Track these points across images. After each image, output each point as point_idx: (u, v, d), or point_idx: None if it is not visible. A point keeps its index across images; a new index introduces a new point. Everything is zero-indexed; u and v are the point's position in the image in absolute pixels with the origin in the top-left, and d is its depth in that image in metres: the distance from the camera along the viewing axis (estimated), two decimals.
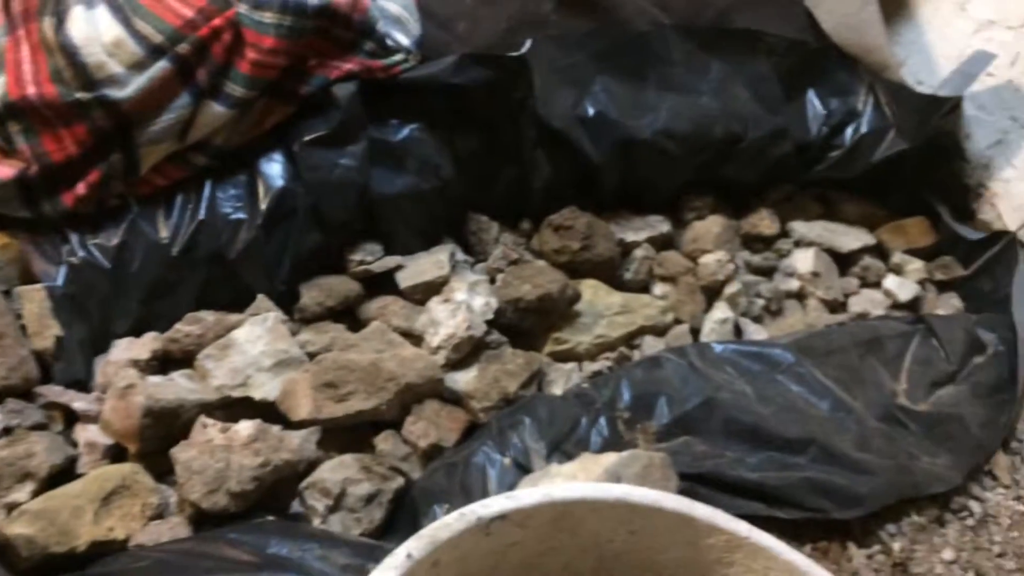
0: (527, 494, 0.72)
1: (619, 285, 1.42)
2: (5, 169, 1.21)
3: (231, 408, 1.13)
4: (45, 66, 1.19)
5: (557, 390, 1.24)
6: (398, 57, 1.34)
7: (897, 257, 1.58)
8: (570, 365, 1.29)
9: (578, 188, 1.45)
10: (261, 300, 1.26)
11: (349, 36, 1.31)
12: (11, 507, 1.00)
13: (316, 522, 1.02)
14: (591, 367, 1.29)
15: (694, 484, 1.08)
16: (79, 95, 1.17)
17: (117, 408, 1.06)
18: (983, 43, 1.53)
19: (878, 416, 1.23)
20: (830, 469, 1.13)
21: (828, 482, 1.11)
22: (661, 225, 1.49)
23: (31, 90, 1.17)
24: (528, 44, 1.37)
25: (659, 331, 1.37)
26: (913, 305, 1.52)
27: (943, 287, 1.57)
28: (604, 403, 1.17)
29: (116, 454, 1.10)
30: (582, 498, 0.72)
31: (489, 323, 1.26)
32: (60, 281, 1.20)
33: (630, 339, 1.35)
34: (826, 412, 1.21)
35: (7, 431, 1.06)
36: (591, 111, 1.41)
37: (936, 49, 1.61)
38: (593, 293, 1.36)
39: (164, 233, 1.23)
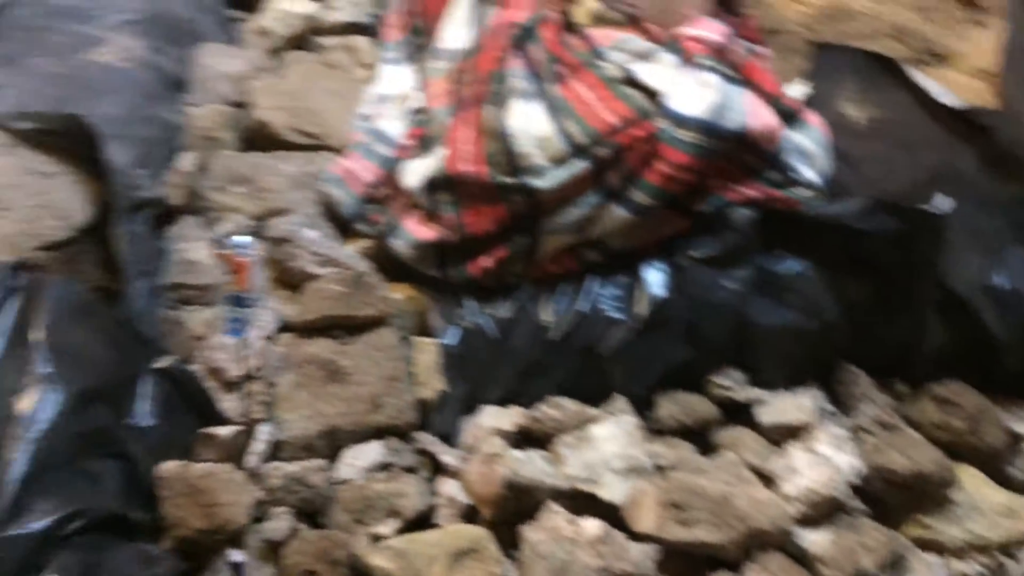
0: None
1: (1003, 481, 1.26)
2: (427, 231, 1.35)
3: (576, 500, 1.15)
4: (482, 148, 1.31)
5: None
6: (803, 192, 1.33)
7: None
8: (934, 557, 1.16)
9: (970, 362, 1.32)
10: (619, 401, 1.27)
11: (756, 163, 1.32)
12: (375, 538, 1.08)
13: None
14: (959, 566, 1.15)
15: None
16: (505, 179, 1.28)
17: (481, 473, 1.12)
18: None
19: None
20: None
21: None
22: None
23: (466, 167, 1.30)
24: (945, 201, 1.29)
25: None
26: None
27: None
28: None
29: (470, 514, 1.15)
30: None
31: (851, 487, 1.18)
32: (452, 340, 1.30)
33: (1010, 546, 1.19)
34: None
35: (385, 467, 1.16)
36: (1004, 283, 1.29)
37: None
38: (972, 483, 1.23)
39: (547, 317, 1.30)
